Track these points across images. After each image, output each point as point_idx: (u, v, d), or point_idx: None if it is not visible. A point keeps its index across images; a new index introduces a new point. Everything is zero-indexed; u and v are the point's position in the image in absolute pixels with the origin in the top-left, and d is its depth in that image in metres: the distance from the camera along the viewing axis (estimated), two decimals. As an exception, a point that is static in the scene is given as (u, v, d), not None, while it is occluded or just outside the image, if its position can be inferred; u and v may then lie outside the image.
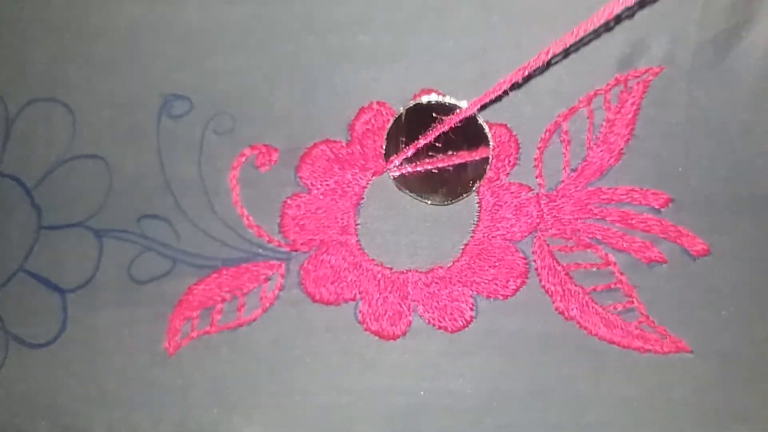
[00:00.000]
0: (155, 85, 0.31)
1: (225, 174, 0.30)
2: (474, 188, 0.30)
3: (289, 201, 0.30)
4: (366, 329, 0.30)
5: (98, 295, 0.31)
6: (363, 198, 0.30)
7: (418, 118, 0.30)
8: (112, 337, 0.31)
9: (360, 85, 0.30)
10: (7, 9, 0.32)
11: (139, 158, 0.31)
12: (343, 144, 0.31)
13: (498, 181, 0.30)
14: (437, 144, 0.30)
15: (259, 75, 0.30)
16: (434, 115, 0.30)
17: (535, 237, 0.30)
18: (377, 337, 0.30)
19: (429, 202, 0.30)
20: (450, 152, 0.30)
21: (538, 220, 0.30)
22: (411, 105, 0.30)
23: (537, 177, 0.30)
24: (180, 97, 0.31)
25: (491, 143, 0.30)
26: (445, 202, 0.30)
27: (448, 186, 0.30)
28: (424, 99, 0.30)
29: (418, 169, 0.30)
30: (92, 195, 0.31)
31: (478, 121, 0.30)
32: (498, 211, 0.30)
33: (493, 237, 0.30)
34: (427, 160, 0.30)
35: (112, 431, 0.31)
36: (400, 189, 0.30)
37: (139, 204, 0.31)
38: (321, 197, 0.31)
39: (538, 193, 0.30)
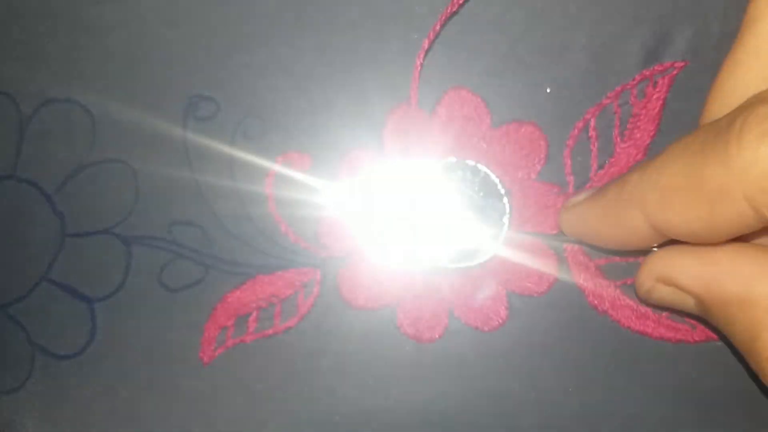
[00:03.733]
0: (177, 84, 0.30)
1: (259, 180, 0.30)
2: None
3: (325, 207, 0.30)
4: (403, 333, 0.30)
5: (128, 303, 0.30)
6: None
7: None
8: (142, 347, 0.30)
9: (389, 85, 0.30)
10: (14, 1, 0.30)
11: (166, 162, 0.30)
12: (377, 151, 0.30)
13: (528, 181, 0.30)
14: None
15: (285, 74, 0.30)
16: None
17: (565, 233, 0.31)
18: (415, 341, 0.30)
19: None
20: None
21: (567, 217, 0.30)
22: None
23: (566, 174, 0.31)
24: (205, 97, 0.30)
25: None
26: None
27: None
28: None
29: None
30: (119, 201, 0.30)
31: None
32: (528, 209, 0.30)
33: (523, 235, 0.30)
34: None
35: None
36: None
37: (169, 210, 0.30)
38: (358, 204, 0.30)
39: (566, 191, 0.30)
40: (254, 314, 0.30)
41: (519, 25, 0.30)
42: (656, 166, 0.23)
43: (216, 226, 0.30)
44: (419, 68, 0.29)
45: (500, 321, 0.30)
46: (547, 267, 0.30)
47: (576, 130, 0.30)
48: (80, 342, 0.30)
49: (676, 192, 0.23)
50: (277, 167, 0.30)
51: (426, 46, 0.29)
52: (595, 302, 0.30)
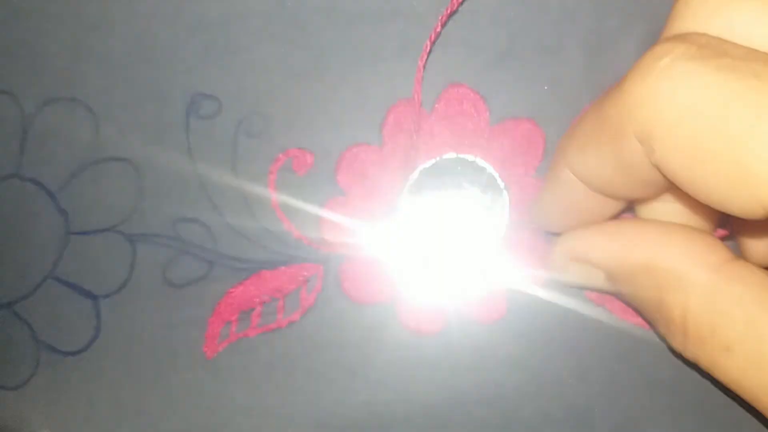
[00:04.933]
0: (179, 83, 0.30)
1: (262, 177, 0.30)
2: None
3: (327, 204, 0.31)
4: (405, 326, 0.30)
5: (133, 300, 0.30)
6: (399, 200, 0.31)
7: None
8: (147, 342, 0.30)
9: (389, 81, 0.30)
10: (17, 2, 0.31)
11: (170, 161, 0.30)
12: (377, 147, 0.31)
13: (526, 177, 0.31)
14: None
15: (285, 71, 0.30)
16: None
17: (563, 228, 0.31)
18: (416, 334, 0.30)
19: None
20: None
21: (564, 212, 0.31)
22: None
23: (563, 170, 0.31)
24: (208, 96, 0.30)
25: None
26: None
27: None
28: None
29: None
30: (123, 199, 0.30)
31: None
32: (526, 206, 0.31)
33: (522, 229, 0.31)
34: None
35: (143, 438, 0.31)
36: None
37: (173, 207, 0.30)
38: (358, 200, 0.31)
39: (564, 187, 0.31)
40: (257, 309, 0.30)
41: (517, 22, 0.30)
42: (578, 120, 0.24)
43: (219, 223, 0.30)
44: (422, 71, 0.29)
45: (500, 313, 0.30)
46: (545, 260, 0.31)
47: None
48: (85, 338, 0.31)
49: (588, 139, 0.23)
50: (279, 164, 0.30)
51: (428, 48, 0.29)
52: (592, 294, 0.31)
